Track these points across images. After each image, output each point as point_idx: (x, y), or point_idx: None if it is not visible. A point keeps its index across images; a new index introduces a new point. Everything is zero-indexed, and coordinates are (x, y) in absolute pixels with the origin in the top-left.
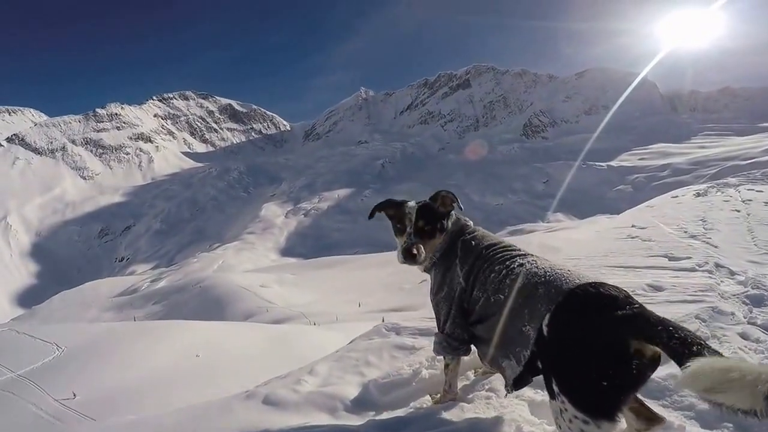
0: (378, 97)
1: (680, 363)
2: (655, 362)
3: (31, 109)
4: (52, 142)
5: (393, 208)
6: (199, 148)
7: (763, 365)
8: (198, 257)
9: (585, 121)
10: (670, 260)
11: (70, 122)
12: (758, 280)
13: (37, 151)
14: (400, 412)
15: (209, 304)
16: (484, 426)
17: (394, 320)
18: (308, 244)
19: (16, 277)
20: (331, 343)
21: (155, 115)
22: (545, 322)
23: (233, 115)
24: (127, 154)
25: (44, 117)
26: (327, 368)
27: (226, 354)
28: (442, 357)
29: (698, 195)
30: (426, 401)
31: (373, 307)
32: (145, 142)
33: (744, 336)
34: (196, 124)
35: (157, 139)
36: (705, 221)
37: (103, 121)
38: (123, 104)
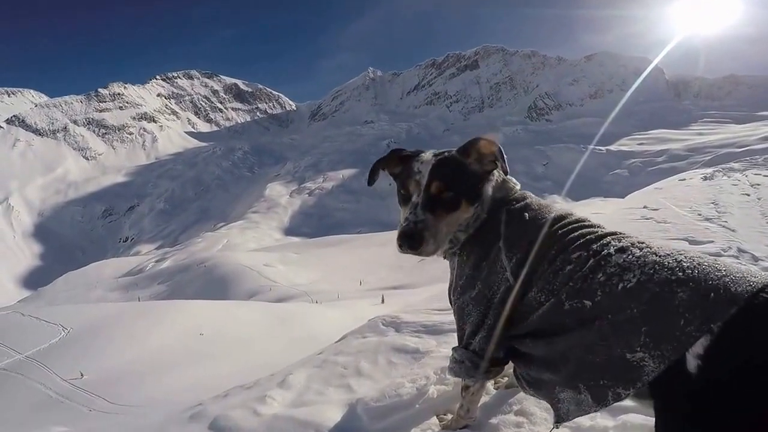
0: (385, 78)
1: None
2: None
3: (31, 90)
4: (53, 123)
5: (399, 164)
6: (204, 127)
7: None
8: (202, 237)
9: (589, 105)
10: (691, 243)
11: (71, 103)
12: None
13: (38, 132)
14: None
15: (214, 284)
16: None
17: (393, 312)
18: (312, 224)
19: (21, 259)
20: (333, 323)
21: (159, 95)
22: (696, 349)
23: (238, 95)
24: (131, 134)
25: (45, 98)
26: (304, 378)
27: (229, 333)
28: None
29: (705, 179)
30: (432, 426)
31: (374, 285)
32: (148, 122)
33: None
34: (201, 104)
35: (160, 118)
36: (717, 204)
37: (105, 101)
38: (126, 84)
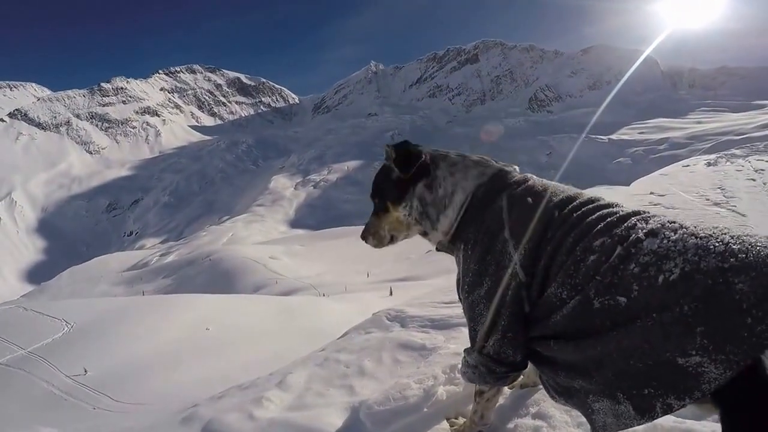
0: (388, 71)
1: None
2: None
3: (34, 84)
4: (56, 117)
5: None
6: (207, 121)
7: None
8: (207, 230)
9: (589, 96)
10: None
11: (74, 97)
12: None
13: (40, 126)
14: None
15: (219, 277)
16: None
17: (398, 306)
18: (317, 216)
19: (24, 254)
20: (341, 316)
21: (162, 89)
22: None
23: (242, 89)
24: (134, 128)
25: (47, 92)
26: (304, 378)
27: (235, 327)
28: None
29: (709, 165)
30: (441, 430)
31: (381, 277)
32: (151, 116)
33: None
34: (204, 98)
35: (164, 112)
36: (723, 189)
37: (108, 95)
38: (128, 78)
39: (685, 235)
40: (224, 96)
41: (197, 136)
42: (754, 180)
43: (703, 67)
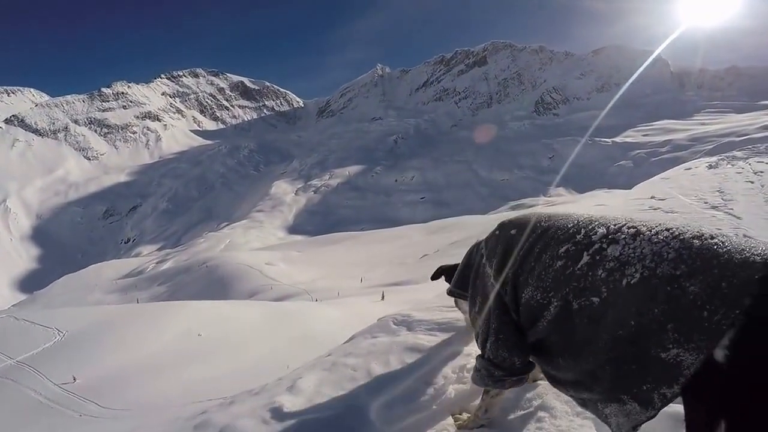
0: (394, 74)
1: None
2: None
3: (32, 89)
4: (53, 123)
5: None
6: (209, 125)
7: None
8: (205, 237)
9: (596, 98)
10: None
11: (73, 102)
12: None
13: (38, 132)
14: None
15: (214, 284)
16: None
17: (404, 311)
18: (316, 221)
19: (17, 262)
20: (329, 320)
21: (163, 93)
22: (724, 342)
23: (245, 93)
24: (134, 133)
25: (45, 97)
26: (314, 383)
27: (226, 333)
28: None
29: (710, 167)
30: (447, 426)
31: (374, 282)
32: (152, 121)
33: None
34: (206, 102)
35: (165, 117)
36: (722, 192)
37: (108, 100)
38: (130, 83)
39: (643, 242)
40: (227, 100)
41: (199, 141)
42: (752, 182)
43: (713, 67)
